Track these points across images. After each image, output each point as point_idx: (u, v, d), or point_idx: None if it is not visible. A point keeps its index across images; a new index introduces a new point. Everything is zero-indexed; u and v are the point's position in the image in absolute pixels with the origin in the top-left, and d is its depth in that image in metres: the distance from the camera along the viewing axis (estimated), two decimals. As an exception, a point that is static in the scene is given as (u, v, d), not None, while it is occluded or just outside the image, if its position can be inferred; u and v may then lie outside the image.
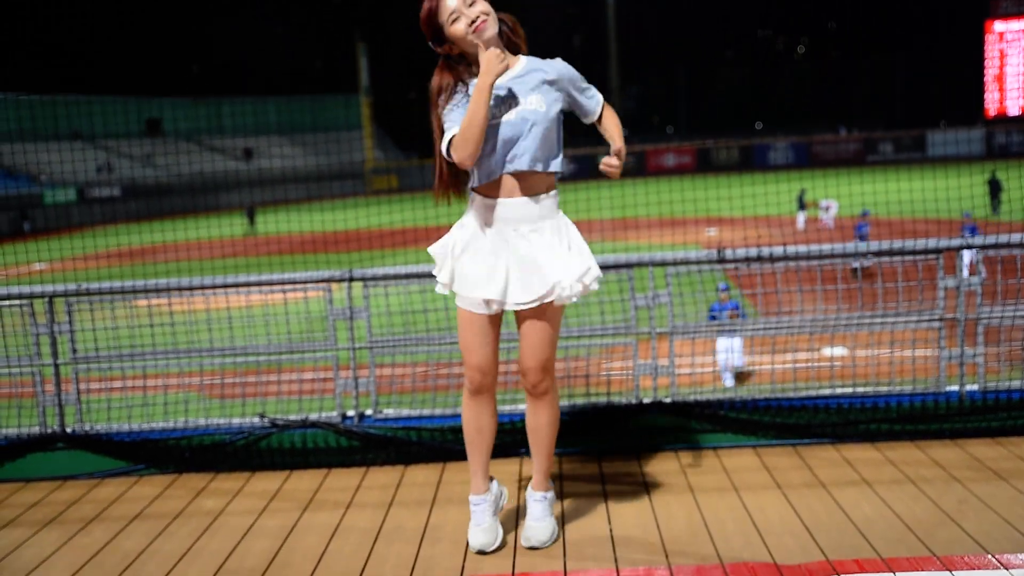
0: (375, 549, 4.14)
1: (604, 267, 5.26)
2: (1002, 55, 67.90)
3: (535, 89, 3.82)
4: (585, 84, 3.98)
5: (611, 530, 4.18)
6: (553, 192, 3.91)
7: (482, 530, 4.04)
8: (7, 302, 5.51)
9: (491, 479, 4.18)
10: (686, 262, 5.29)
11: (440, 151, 3.81)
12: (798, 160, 62.86)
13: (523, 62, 3.90)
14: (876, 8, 78.47)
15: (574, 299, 3.89)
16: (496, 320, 3.98)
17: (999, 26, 67.79)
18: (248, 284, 5.45)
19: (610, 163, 3.80)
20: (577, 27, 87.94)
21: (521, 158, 3.79)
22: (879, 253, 5.26)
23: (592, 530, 4.19)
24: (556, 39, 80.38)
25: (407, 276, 5.31)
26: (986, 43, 68.33)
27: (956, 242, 5.20)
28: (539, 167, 3.82)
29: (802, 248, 5.30)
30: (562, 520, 4.28)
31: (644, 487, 4.66)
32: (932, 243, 5.21)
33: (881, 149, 63.78)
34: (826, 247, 5.31)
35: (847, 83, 79.23)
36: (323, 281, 5.41)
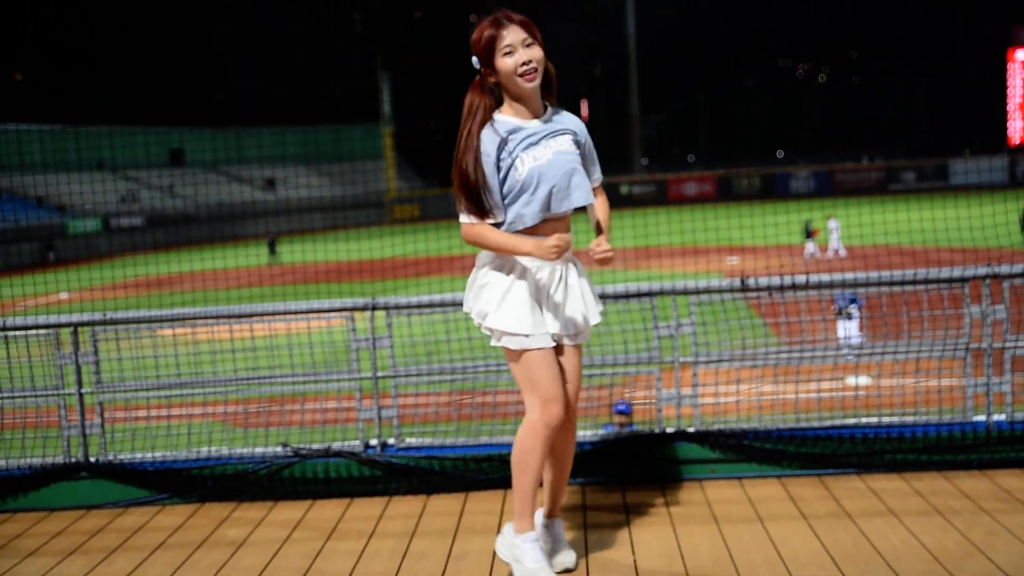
0: (398, 579, 4.13)
1: (627, 296, 5.27)
2: (1025, 83, 67.67)
3: (564, 134, 3.91)
4: (594, 155, 4.08)
5: (635, 561, 4.16)
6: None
7: (547, 567, 3.92)
8: (33, 331, 5.56)
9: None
10: (708, 291, 5.29)
11: (462, 166, 3.82)
12: (820, 189, 62.74)
13: (550, 111, 3.95)
14: (898, 36, 78.54)
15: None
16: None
17: (1021, 54, 67.64)
18: (271, 313, 5.48)
19: (605, 251, 3.83)
20: (598, 56, 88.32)
21: (573, 196, 3.87)
22: (904, 282, 5.24)
23: (616, 561, 4.17)
24: (577, 68, 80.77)
25: (430, 305, 5.33)
26: (1009, 71, 68.17)
27: (983, 270, 5.17)
28: (587, 199, 3.93)
29: (825, 277, 5.29)
30: (586, 550, 4.26)
31: (668, 517, 4.64)
32: (958, 272, 5.19)
33: (904, 178, 63.58)
34: (849, 276, 5.30)
35: (869, 111, 79.13)
36: (346, 310, 5.43)
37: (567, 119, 3.97)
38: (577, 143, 3.94)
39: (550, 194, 3.81)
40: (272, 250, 38.63)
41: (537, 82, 3.80)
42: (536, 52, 3.78)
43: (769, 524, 4.48)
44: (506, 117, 3.87)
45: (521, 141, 3.83)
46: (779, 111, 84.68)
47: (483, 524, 4.68)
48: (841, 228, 30.08)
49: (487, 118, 3.85)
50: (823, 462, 5.12)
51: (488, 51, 3.79)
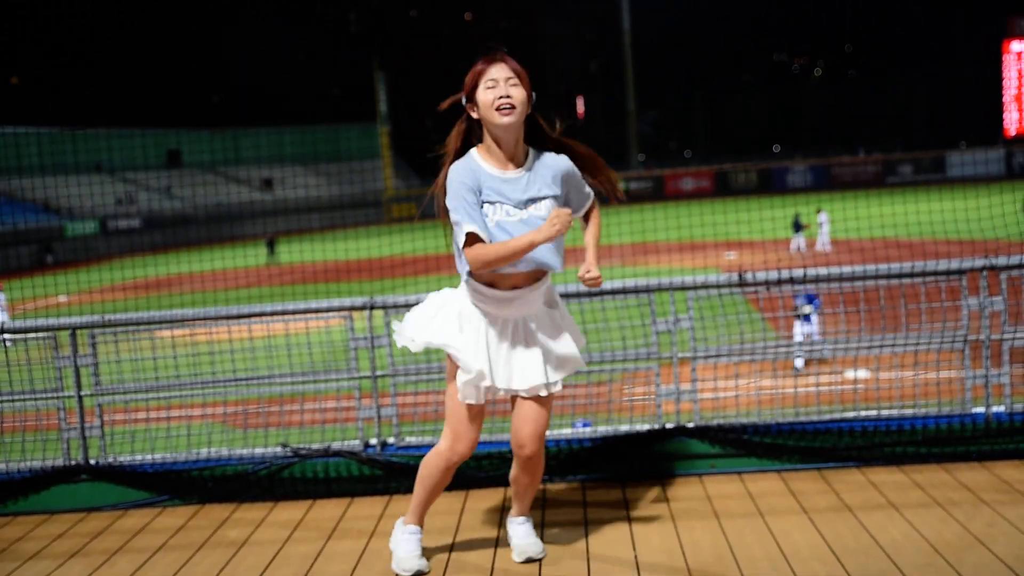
0: (399, 578, 4.13)
1: (624, 292, 5.27)
2: (1020, 75, 67.80)
3: (548, 187, 3.86)
4: (582, 179, 4.03)
5: (636, 556, 4.15)
6: (548, 276, 3.99)
7: (418, 558, 4.13)
8: (31, 334, 5.56)
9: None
10: (706, 286, 5.29)
11: (444, 206, 3.88)
12: (817, 182, 62.79)
13: (531, 160, 3.90)
14: (893, 30, 78.54)
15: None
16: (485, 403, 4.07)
17: (1016, 46, 67.65)
18: (270, 314, 5.48)
19: (591, 275, 3.82)
20: (594, 53, 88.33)
21: (534, 260, 3.82)
22: (901, 275, 5.24)
23: (617, 556, 4.17)
24: (573, 65, 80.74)
25: (428, 304, 5.32)
26: (1004, 63, 68.17)
27: (980, 262, 5.17)
28: (553, 260, 3.88)
29: (822, 271, 5.29)
30: (587, 547, 4.26)
31: (669, 513, 4.64)
32: (955, 264, 5.19)
33: (900, 171, 63.61)
34: (847, 269, 5.29)
35: (865, 105, 79.15)
36: (344, 310, 5.43)
37: (546, 169, 3.89)
38: (560, 182, 3.90)
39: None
40: (271, 250, 38.65)
41: (511, 120, 3.74)
42: (518, 92, 3.75)
43: (770, 518, 4.48)
44: (483, 162, 3.85)
45: (493, 188, 3.81)
46: (775, 106, 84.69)
47: (484, 522, 4.68)
48: (830, 222, 30.20)
49: (463, 146, 3.91)
50: (823, 456, 5.12)
51: (473, 85, 3.81)
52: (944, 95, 75.28)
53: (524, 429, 3.98)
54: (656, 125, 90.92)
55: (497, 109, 3.74)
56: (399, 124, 71.41)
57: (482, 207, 3.80)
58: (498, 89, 3.74)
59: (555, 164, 3.92)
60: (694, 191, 63.71)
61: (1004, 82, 67.71)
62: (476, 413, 4.00)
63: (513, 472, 4.19)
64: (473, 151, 3.89)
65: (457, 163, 3.86)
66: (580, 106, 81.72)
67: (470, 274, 3.86)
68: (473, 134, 3.92)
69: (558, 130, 4.01)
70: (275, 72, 76.96)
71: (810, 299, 10.47)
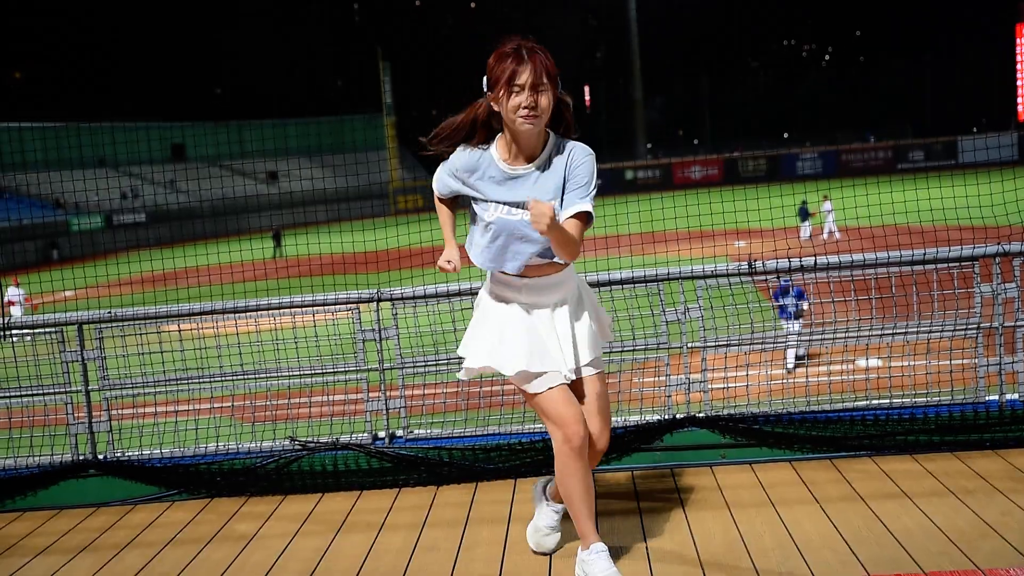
0: (409, 569, 4.15)
1: (633, 282, 5.27)
2: (1033, 58, 67.39)
3: (555, 189, 3.72)
4: (583, 186, 3.74)
5: (647, 547, 4.16)
6: (571, 266, 3.92)
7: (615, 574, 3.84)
8: (38, 330, 5.58)
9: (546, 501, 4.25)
10: (716, 275, 5.28)
11: (470, 113, 3.77)
12: (827, 170, 62.64)
13: (545, 154, 3.75)
14: (903, 14, 78.12)
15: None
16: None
17: (1029, 29, 67.23)
18: (276, 307, 5.49)
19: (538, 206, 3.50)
20: (600, 41, 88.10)
21: (546, 252, 3.79)
22: (914, 262, 5.23)
23: (628, 547, 4.18)
24: (579, 53, 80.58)
25: (435, 296, 5.34)
26: (1018, 47, 67.83)
27: (992, 249, 5.15)
28: (559, 262, 3.84)
29: (833, 258, 5.28)
30: (597, 538, 4.27)
31: (679, 503, 4.64)
32: (967, 251, 5.17)
33: (912, 156, 63.38)
34: (858, 257, 5.29)
35: (875, 90, 78.86)
36: (352, 302, 5.44)
37: (559, 167, 3.74)
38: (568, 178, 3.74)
39: (518, 249, 3.77)
40: (278, 243, 38.69)
41: (532, 128, 3.61)
42: (544, 100, 3.59)
43: (781, 508, 4.48)
44: (496, 155, 3.77)
45: (499, 186, 3.75)
46: (784, 92, 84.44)
47: (493, 514, 4.69)
48: (835, 210, 30.16)
49: (482, 128, 3.78)
50: (834, 445, 5.12)
51: (499, 82, 3.60)
52: (956, 80, 75.00)
53: (595, 421, 3.90)
54: (663, 113, 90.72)
55: (520, 117, 3.59)
56: (404, 114, 71.39)
57: (483, 201, 3.78)
58: (524, 96, 3.57)
59: (570, 162, 3.74)
60: (702, 179, 63.58)
61: (1017, 66, 67.39)
62: (560, 390, 3.81)
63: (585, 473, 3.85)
64: (495, 141, 3.78)
65: (474, 149, 3.78)
66: (586, 95, 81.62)
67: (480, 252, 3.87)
68: (493, 118, 3.76)
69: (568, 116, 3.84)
70: (279, 64, 76.96)
71: (799, 294, 10.38)
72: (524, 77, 3.56)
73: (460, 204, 4.01)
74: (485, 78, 3.66)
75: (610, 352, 5.35)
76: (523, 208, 3.71)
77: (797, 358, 9.12)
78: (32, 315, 5.79)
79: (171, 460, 5.44)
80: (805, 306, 6.17)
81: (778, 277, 5.32)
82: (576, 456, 3.77)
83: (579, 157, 3.75)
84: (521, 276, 3.83)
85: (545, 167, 3.75)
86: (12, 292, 23.43)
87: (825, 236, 30.03)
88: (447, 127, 3.84)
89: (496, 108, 3.68)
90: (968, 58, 75.78)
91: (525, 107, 3.57)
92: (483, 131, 3.80)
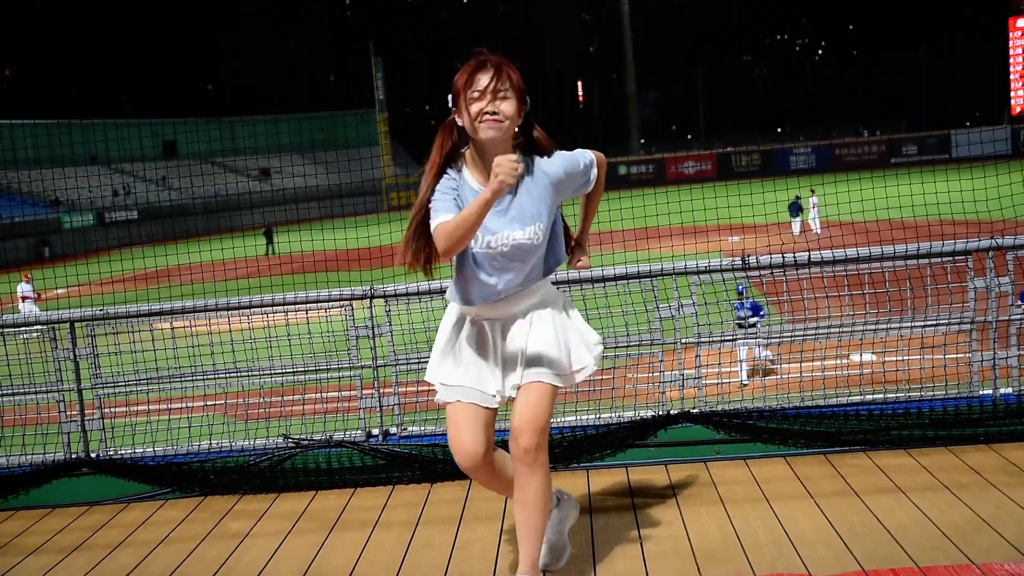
0: (404, 566, 4.15)
1: (627, 278, 5.27)
2: (1026, 52, 67.52)
3: (536, 208, 3.58)
4: (584, 169, 3.70)
5: (641, 543, 4.17)
6: (549, 277, 3.78)
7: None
8: (30, 328, 5.57)
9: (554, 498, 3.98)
10: (709, 270, 5.28)
11: (413, 216, 3.61)
12: (820, 164, 62.68)
13: (523, 169, 3.57)
14: (896, 8, 78.23)
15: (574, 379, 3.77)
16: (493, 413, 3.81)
17: (1023, 23, 67.39)
18: (270, 305, 5.49)
19: (583, 262, 3.81)
20: (593, 34, 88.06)
21: (518, 284, 3.65)
22: (907, 256, 5.24)
23: (622, 544, 4.18)
24: (572, 47, 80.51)
25: (429, 292, 5.33)
26: (1010, 40, 67.93)
27: (986, 243, 5.16)
28: (536, 283, 3.71)
29: (827, 253, 5.29)
30: (592, 534, 4.27)
31: (674, 499, 4.65)
32: (961, 245, 5.18)
33: (905, 151, 63.49)
34: (852, 252, 5.29)
35: (868, 84, 78.94)
36: (345, 300, 5.43)
37: (537, 184, 3.58)
38: (554, 202, 3.63)
39: (490, 279, 3.62)
40: (269, 240, 38.62)
41: (493, 134, 3.44)
42: (506, 106, 3.44)
43: (775, 503, 4.49)
44: (468, 176, 3.60)
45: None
46: (778, 87, 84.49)
47: (488, 511, 4.69)
48: (821, 205, 30.28)
49: (450, 157, 3.60)
50: (829, 440, 5.13)
51: (459, 92, 3.48)
52: (949, 74, 75.10)
53: (520, 415, 3.63)
54: (656, 108, 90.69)
55: (481, 122, 3.44)
56: (397, 110, 71.28)
57: None
58: (483, 102, 3.43)
59: (548, 174, 3.60)
60: (696, 175, 63.61)
61: (1010, 60, 67.50)
62: (464, 416, 3.71)
63: (516, 492, 3.69)
64: (464, 172, 3.61)
65: (444, 179, 3.57)
66: (578, 90, 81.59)
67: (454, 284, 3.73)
68: (461, 138, 3.59)
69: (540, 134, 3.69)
70: (271, 60, 76.80)
71: (755, 309, 10.05)
72: (483, 82, 3.43)
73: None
74: (450, 96, 3.53)
75: (604, 348, 5.33)
76: (501, 234, 3.55)
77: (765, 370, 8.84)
78: (45, 312, 5.75)
79: (164, 458, 5.44)
80: (754, 320, 5.91)
81: (737, 286, 5.32)
82: (470, 474, 3.77)
83: (558, 167, 3.62)
84: (503, 302, 3.69)
85: (522, 189, 3.57)
86: (23, 288, 23.35)
87: (813, 230, 30.07)
88: (428, 170, 3.62)
89: (460, 123, 3.52)
90: (961, 52, 75.89)
91: (486, 112, 3.43)
92: (449, 154, 3.62)
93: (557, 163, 3.63)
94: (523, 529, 3.69)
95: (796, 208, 30.73)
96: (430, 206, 3.53)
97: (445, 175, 3.58)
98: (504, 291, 3.64)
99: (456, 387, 3.73)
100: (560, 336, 3.73)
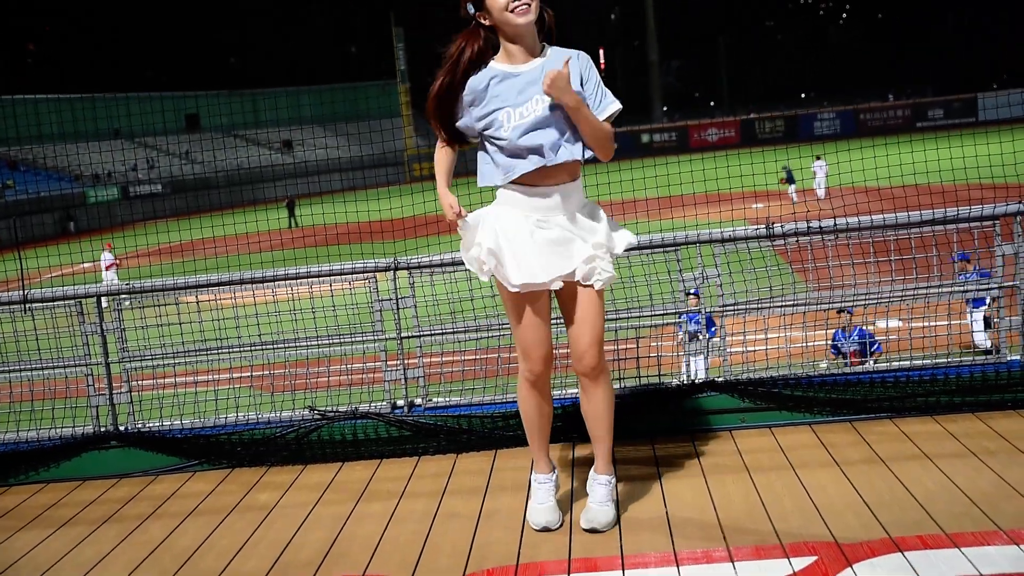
0: (430, 536, 4.17)
1: (651, 247, 5.24)
2: (1054, 12, 66.55)
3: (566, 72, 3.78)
4: (600, 89, 3.91)
5: (667, 512, 4.17)
6: (579, 178, 3.97)
7: (546, 508, 4.11)
8: (57, 303, 5.61)
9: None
10: (734, 239, 5.25)
11: (430, 103, 3.96)
12: (845, 129, 62.13)
13: (548, 53, 3.91)
14: (921, -30, 77.09)
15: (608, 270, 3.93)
16: (547, 303, 4.03)
17: (1051, -18, 66.31)
18: (294, 277, 5.50)
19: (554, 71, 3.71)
20: (615, 2, 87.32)
21: (557, 152, 3.83)
22: (933, 222, 5.19)
23: (648, 513, 4.18)
24: (594, 14, 79.94)
25: (452, 264, 5.33)
26: (1038, 1, 66.87)
27: (1013, 207, 5.10)
28: (573, 156, 3.86)
29: (853, 220, 5.24)
30: (617, 504, 4.27)
31: (699, 468, 4.65)
32: (988, 209, 5.12)
33: (931, 115, 62.80)
34: (877, 218, 5.24)
35: (894, 48, 77.98)
36: (368, 271, 5.44)
37: (563, 61, 3.80)
38: (577, 85, 3.84)
39: (533, 152, 3.81)
40: (291, 212, 38.72)
41: (530, 18, 3.75)
42: None
43: (801, 472, 4.48)
44: (499, 65, 3.88)
45: (510, 90, 3.82)
46: (801, 52, 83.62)
47: (513, 481, 4.71)
48: (827, 171, 30.17)
49: (478, 61, 3.87)
50: (854, 407, 5.10)
51: None
52: (975, 36, 74.02)
53: (580, 338, 3.96)
54: (679, 74, 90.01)
55: (512, 11, 3.71)
56: (419, 81, 71.02)
57: (495, 118, 3.83)
58: None
59: (577, 63, 3.86)
60: (719, 142, 63.21)
61: (1038, 21, 66.47)
62: (535, 320, 3.96)
63: (582, 404, 4.11)
64: (492, 63, 3.89)
65: (476, 75, 3.87)
66: (600, 58, 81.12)
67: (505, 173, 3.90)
68: (483, 41, 3.87)
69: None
70: (292, 32, 76.65)
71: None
72: None
73: (465, 142, 4.06)
74: (469, 5, 3.82)
75: (628, 318, 5.34)
76: (532, 103, 3.79)
77: None
78: (121, 282, 5.79)
79: (191, 431, 5.48)
80: (701, 337, 5.56)
81: (698, 296, 5.28)
82: (530, 389, 4.07)
83: (584, 60, 3.92)
84: (529, 185, 3.85)
85: (549, 63, 3.83)
86: (106, 257, 23.52)
87: (819, 196, 29.84)
88: (446, 63, 3.90)
89: (488, 22, 3.81)
90: (989, 11, 74.78)
91: (514, 1, 3.69)
92: (479, 51, 3.88)
93: (582, 57, 3.91)
94: (595, 433, 4.11)
95: (790, 176, 30.52)
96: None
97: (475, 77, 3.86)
98: (548, 158, 3.80)
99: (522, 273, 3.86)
100: (600, 236, 3.92)
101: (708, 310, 5.24)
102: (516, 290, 3.88)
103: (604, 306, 4.03)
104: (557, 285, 3.90)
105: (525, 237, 3.87)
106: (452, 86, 3.89)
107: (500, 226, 3.90)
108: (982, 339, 7.98)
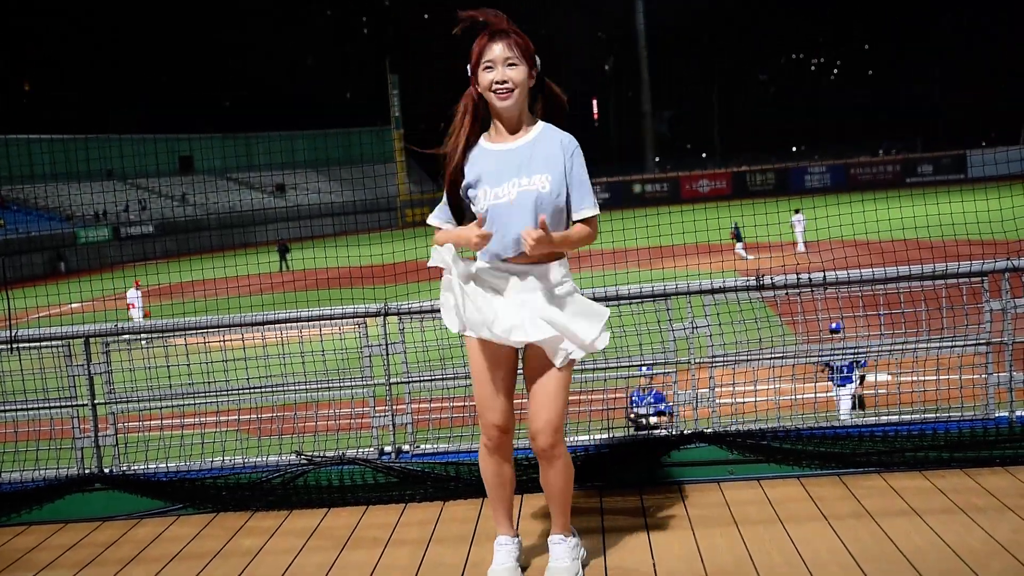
0: (415, 587, 4.14)
1: (641, 297, 5.26)
2: (1043, 72, 67.45)
3: (546, 162, 3.79)
4: (583, 184, 3.84)
5: (654, 564, 4.15)
6: (563, 260, 3.91)
7: (506, 569, 4.06)
8: (44, 343, 5.59)
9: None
10: (723, 290, 5.27)
11: (446, 179, 3.91)
12: (836, 183, 62.58)
13: (534, 134, 3.87)
14: (912, 30, 78.20)
15: (577, 354, 3.89)
16: (513, 367, 4.02)
17: (1039, 42, 67.30)
18: (284, 321, 5.49)
19: (530, 232, 3.65)
20: (609, 51, 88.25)
21: (517, 244, 3.79)
22: (923, 277, 5.22)
23: (635, 565, 4.16)
24: (588, 65, 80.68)
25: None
26: (1027, 60, 67.81)
27: (1002, 264, 5.14)
28: (545, 263, 3.85)
29: (842, 274, 5.27)
30: (604, 554, 4.26)
31: (687, 520, 4.63)
32: (977, 266, 5.16)
33: (920, 170, 63.36)
34: (867, 272, 5.28)
35: (884, 104, 78.86)
36: (359, 316, 5.44)
37: (550, 145, 3.82)
38: (561, 164, 3.81)
39: (502, 235, 3.78)
40: (283, 256, 38.75)
41: (508, 103, 3.76)
42: (515, 73, 3.74)
43: (789, 525, 4.47)
44: (485, 141, 3.91)
45: (488, 167, 3.83)
46: (793, 105, 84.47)
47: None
48: (806, 223, 30.48)
49: (472, 131, 3.89)
50: (843, 461, 5.10)
51: (474, 64, 3.80)
52: (964, 94, 74.93)
53: (536, 418, 3.92)
54: (671, 124, 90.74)
55: (494, 92, 3.75)
56: (413, 127, 71.47)
57: (475, 193, 3.85)
58: (495, 72, 3.74)
59: (561, 143, 3.83)
60: (711, 193, 63.62)
61: (1026, 80, 67.34)
62: (496, 382, 3.95)
63: (541, 476, 4.05)
64: (481, 140, 3.91)
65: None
66: (594, 108, 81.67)
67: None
68: (478, 108, 3.88)
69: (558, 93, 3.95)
70: (287, 76, 77.17)
71: (657, 399, 8.17)
72: (494, 54, 3.74)
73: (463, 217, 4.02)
74: (468, 66, 3.84)
75: (617, 367, 5.34)
76: (509, 184, 3.78)
77: None
78: (148, 321, 5.79)
79: (176, 474, 5.44)
80: (654, 420, 5.43)
81: (644, 371, 5.30)
82: (493, 454, 4.05)
83: (571, 147, 3.85)
84: (506, 261, 3.84)
85: (533, 145, 3.82)
86: (132, 295, 23.33)
87: (798, 250, 30.00)
88: (453, 130, 3.92)
89: (478, 91, 3.82)
90: (978, 72, 75.79)
91: (497, 82, 3.73)
92: (475, 117, 3.89)
93: (571, 144, 3.85)
94: (551, 502, 4.08)
95: (738, 234, 30.59)
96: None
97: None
98: (514, 246, 3.78)
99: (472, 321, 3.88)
100: (569, 309, 3.87)
101: (656, 388, 5.21)
102: (458, 331, 3.93)
103: (568, 385, 3.95)
104: (516, 340, 3.84)
105: (490, 293, 3.88)
106: (461, 141, 3.89)
107: (474, 274, 3.91)
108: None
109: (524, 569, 4.18)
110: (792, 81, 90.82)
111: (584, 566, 4.14)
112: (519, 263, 3.84)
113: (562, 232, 3.80)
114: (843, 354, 5.16)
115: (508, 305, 3.84)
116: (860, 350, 5.32)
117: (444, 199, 3.96)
